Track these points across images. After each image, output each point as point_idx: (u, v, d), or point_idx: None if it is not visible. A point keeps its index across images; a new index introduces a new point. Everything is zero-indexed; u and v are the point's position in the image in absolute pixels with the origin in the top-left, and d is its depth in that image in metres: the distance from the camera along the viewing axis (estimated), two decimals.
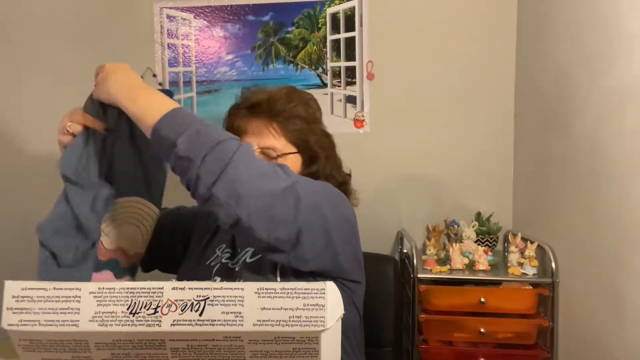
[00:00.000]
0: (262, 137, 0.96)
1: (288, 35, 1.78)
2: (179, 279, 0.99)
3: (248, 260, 0.91)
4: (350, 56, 1.77)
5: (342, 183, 1.05)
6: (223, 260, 0.95)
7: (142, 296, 0.40)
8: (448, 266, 1.51)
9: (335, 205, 0.85)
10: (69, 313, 0.40)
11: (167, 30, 1.80)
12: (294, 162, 0.98)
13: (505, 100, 1.74)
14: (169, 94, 1.83)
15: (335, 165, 1.05)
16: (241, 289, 0.40)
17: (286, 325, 0.39)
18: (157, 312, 0.40)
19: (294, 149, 0.98)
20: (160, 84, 1.80)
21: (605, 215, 1.16)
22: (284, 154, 0.96)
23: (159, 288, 0.41)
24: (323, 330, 0.39)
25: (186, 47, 1.81)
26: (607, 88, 1.16)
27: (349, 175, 1.09)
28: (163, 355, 0.42)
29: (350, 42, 1.77)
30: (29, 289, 0.41)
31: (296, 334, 0.40)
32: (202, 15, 1.80)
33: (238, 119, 0.99)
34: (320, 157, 1.00)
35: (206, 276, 0.94)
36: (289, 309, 0.40)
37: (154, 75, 1.80)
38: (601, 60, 1.19)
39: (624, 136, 1.09)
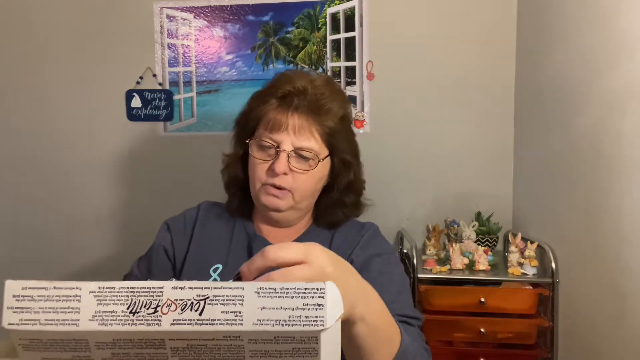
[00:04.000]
0: (301, 137, 0.85)
1: (288, 35, 1.78)
2: None
3: None
4: (350, 56, 1.77)
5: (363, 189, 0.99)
6: None
7: (142, 295, 0.40)
8: (448, 266, 1.51)
9: None
10: (69, 312, 0.40)
11: (167, 30, 1.80)
12: (325, 166, 0.89)
13: (506, 100, 1.73)
14: (169, 94, 1.84)
15: (361, 171, 0.99)
16: (241, 288, 0.40)
17: (286, 324, 0.39)
18: (157, 311, 0.40)
19: (327, 152, 0.88)
20: (160, 84, 1.80)
21: (606, 215, 1.16)
22: (319, 160, 0.86)
23: (159, 287, 0.41)
24: (323, 329, 0.39)
25: (186, 47, 1.81)
26: (608, 88, 1.16)
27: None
28: (163, 354, 0.42)
29: (350, 42, 1.77)
30: (29, 288, 0.41)
31: (296, 334, 0.40)
32: (202, 15, 1.80)
33: (273, 110, 0.86)
34: (353, 164, 0.93)
35: None
36: (289, 308, 0.40)
37: (154, 75, 1.80)
38: (602, 61, 1.18)
39: (624, 136, 1.09)
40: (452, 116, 1.76)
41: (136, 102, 1.80)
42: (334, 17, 1.77)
